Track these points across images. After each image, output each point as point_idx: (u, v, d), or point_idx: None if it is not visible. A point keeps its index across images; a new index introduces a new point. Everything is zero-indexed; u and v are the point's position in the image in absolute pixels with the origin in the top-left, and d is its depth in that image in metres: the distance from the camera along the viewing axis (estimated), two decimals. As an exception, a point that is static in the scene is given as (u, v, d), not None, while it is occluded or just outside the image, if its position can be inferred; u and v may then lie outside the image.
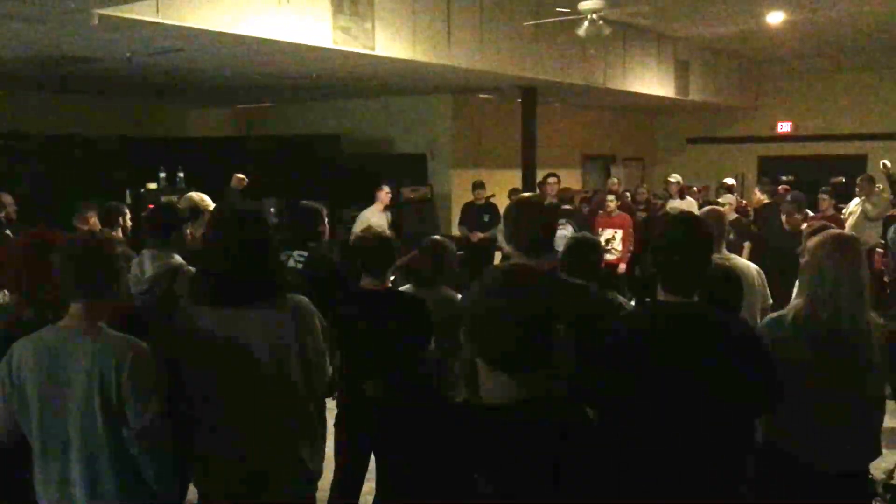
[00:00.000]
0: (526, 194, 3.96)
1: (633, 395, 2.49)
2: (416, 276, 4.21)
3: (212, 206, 5.03)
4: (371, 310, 3.66)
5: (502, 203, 10.25)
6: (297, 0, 6.90)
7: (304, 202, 4.84)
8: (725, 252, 4.27)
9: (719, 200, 9.20)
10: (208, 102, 13.40)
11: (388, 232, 3.87)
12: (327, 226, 4.75)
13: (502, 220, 3.08)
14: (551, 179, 9.98)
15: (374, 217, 8.91)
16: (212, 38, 6.79)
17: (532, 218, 2.90)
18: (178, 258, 4.06)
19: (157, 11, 6.00)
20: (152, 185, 8.15)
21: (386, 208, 9.26)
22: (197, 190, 6.99)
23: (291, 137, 12.24)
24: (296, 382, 2.70)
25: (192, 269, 3.97)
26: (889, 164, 9.00)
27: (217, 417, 2.69)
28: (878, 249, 8.40)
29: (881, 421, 2.99)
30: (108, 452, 2.39)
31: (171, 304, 3.50)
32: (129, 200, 7.81)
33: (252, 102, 13.36)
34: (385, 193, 9.18)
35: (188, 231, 4.42)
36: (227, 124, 14.24)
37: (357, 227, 8.77)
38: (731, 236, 8.67)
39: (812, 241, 2.94)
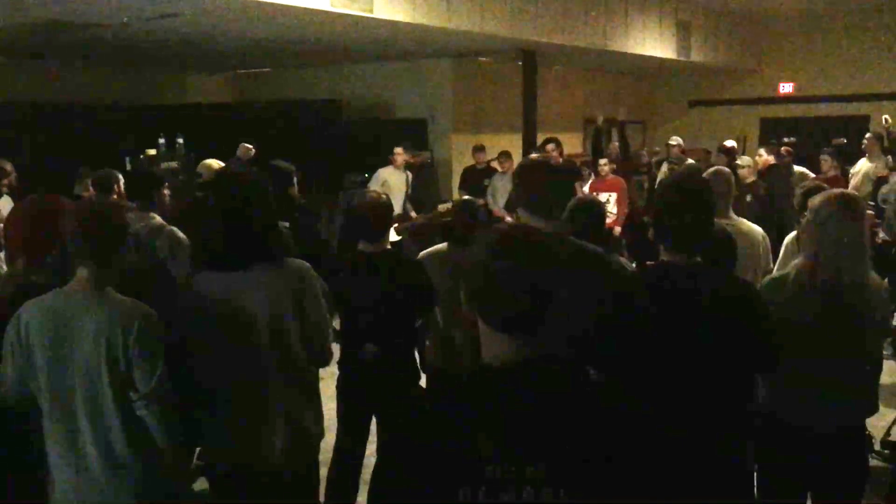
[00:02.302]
0: (533, 155, 3.92)
1: (638, 356, 2.51)
2: (451, 235, 4.27)
3: None
4: (368, 273, 3.67)
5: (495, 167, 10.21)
6: (294, -38, 6.82)
7: (274, 162, 4.85)
8: (733, 215, 4.23)
9: (738, 162, 9.11)
10: (206, 68, 13.30)
11: (384, 196, 3.84)
12: (296, 187, 4.75)
13: (513, 183, 3.05)
14: (549, 146, 9.90)
15: (392, 176, 9.06)
16: (208, 2, 6.73)
17: (541, 178, 2.83)
18: (158, 219, 4.13)
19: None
20: (151, 152, 8.13)
21: (406, 168, 9.35)
22: (197, 156, 7.01)
23: (290, 103, 12.17)
24: (294, 345, 2.71)
25: (173, 228, 4.03)
26: (890, 120, 8.95)
27: (216, 380, 2.71)
28: (868, 212, 8.26)
29: (878, 378, 3.02)
30: (116, 414, 2.42)
31: (156, 264, 3.56)
32: (128, 167, 7.79)
33: (251, 68, 13.25)
34: (399, 155, 9.20)
35: (166, 193, 4.48)
36: (225, 90, 14.14)
37: (373, 185, 8.96)
38: (749, 199, 8.65)
39: (815, 201, 2.93)
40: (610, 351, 2.54)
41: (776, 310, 2.77)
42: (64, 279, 2.50)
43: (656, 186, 7.02)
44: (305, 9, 7.08)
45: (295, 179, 4.74)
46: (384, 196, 3.83)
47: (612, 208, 9.02)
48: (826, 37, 13.56)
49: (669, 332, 2.49)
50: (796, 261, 2.95)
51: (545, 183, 2.81)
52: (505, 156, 9.92)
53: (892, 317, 3.11)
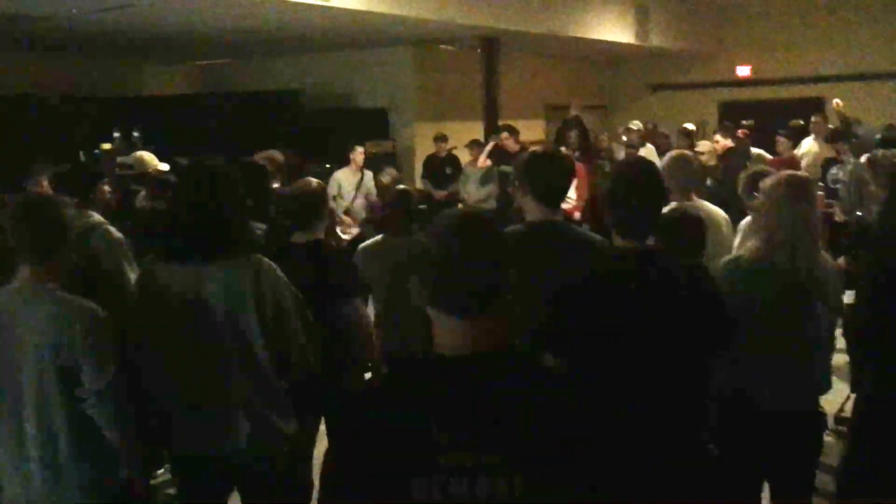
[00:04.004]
0: (539, 146, 4.00)
1: (592, 341, 2.52)
2: (390, 227, 4.33)
3: (159, 165, 4.99)
4: (290, 264, 3.60)
5: (463, 155, 10.22)
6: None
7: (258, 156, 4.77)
8: (696, 199, 4.22)
9: (697, 148, 9.19)
10: (164, 59, 13.08)
11: (315, 183, 3.78)
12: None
13: (516, 171, 3.10)
14: (503, 134, 9.88)
15: (346, 179, 8.76)
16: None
17: (557, 169, 2.94)
18: (96, 216, 4.04)
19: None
20: (107, 146, 7.98)
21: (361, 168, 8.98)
22: (155, 149, 6.89)
23: (250, 94, 12.03)
24: (255, 345, 2.67)
25: (110, 227, 3.94)
26: (842, 104, 9.10)
27: (174, 375, 2.69)
28: (819, 193, 8.33)
29: (831, 357, 3.08)
30: (62, 415, 2.38)
31: (91, 262, 3.49)
32: (83, 161, 7.64)
33: (209, 58, 13.07)
34: (359, 154, 8.88)
35: (106, 189, 4.38)
36: (184, 81, 13.93)
37: (330, 189, 8.65)
38: (709, 182, 8.74)
39: (766, 183, 2.97)
40: (568, 337, 2.56)
41: (732, 291, 2.82)
42: (8, 277, 2.45)
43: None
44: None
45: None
46: (315, 183, 3.76)
47: (571, 193, 9.05)
48: (782, 20, 13.72)
49: (623, 317, 2.50)
50: (750, 243, 2.98)
51: (552, 173, 2.92)
52: (475, 144, 9.91)
53: (844, 296, 3.16)
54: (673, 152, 4.61)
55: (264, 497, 2.79)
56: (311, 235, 3.64)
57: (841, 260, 4.61)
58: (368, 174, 9.01)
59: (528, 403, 1.52)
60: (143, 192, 5.04)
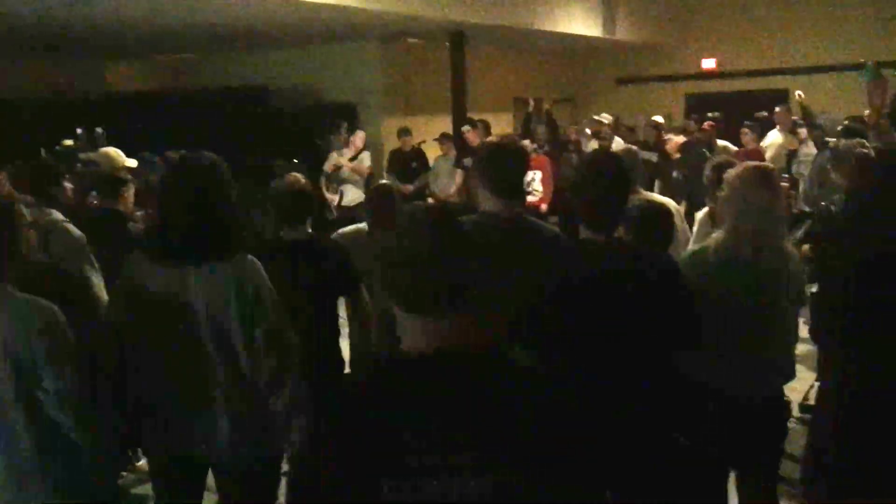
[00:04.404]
0: (495, 138, 3.96)
1: (562, 334, 2.53)
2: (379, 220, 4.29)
3: (126, 162, 4.91)
4: (286, 261, 3.59)
5: (432, 149, 10.20)
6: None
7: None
8: (642, 192, 4.30)
9: (666, 138, 9.28)
10: (127, 55, 12.90)
11: (303, 180, 3.76)
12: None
13: (477, 164, 3.07)
14: (464, 128, 9.90)
15: (343, 158, 9.21)
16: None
17: (510, 161, 2.88)
18: (56, 214, 3.97)
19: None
20: (68, 143, 7.86)
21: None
22: (120, 146, 6.79)
23: (215, 90, 11.90)
24: (235, 346, 2.63)
25: (70, 226, 3.88)
26: (803, 95, 9.22)
27: (155, 376, 2.67)
28: (783, 183, 8.43)
29: (795, 346, 3.12)
30: (22, 418, 2.34)
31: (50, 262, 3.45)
32: (43, 158, 7.51)
33: (173, 53, 12.90)
34: (359, 138, 9.38)
35: (68, 186, 4.30)
36: (146, 77, 13.75)
37: (327, 165, 9.21)
38: (675, 174, 8.82)
39: (732, 174, 3.00)
40: (538, 330, 2.56)
41: (698, 283, 2.85)
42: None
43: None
44: (225, -7, 6.94)
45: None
46: (303, 180, 3.75)
47: (537, 186, 9.08)
48: (746, 12, 13.86)
49: (593, 309, 2.52)
50: (715, 234, 3.01)
51: (506, 165, 2.86)
52: (445, 138, 9.90)
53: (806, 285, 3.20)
54: (619, 147, 4.66)
55: (243, 498, 2.77)
56: (299, 233, 3.61)
57: (805, 248, 4.68)
58: (366, 155, 9.40)
59: (498, 402, 1.51)
60: (94, 192, 4.97)
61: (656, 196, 4.25)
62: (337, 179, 9.33)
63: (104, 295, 3.63)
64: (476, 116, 11.17)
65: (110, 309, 2.89)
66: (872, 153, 4.66)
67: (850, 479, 2.74)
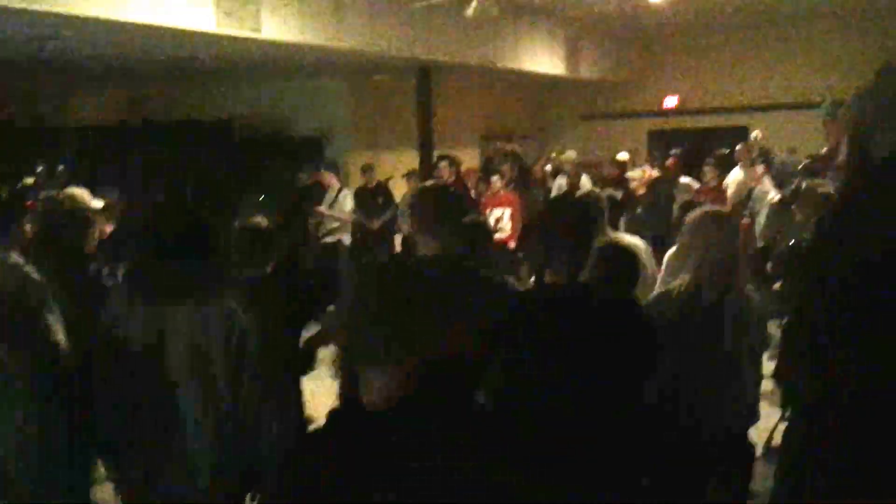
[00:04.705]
0: (430, 182, 3.93)
1: (525, 378, 2.52)
2: None
3: (91, 202, 4.81)
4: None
5: (399, 186, 10.22)
6: (177, -18, 6.66)
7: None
8: (609, 232, 4.30)
9: (627, 176, 9.38)
10: (91, 88, 12.79)
11: (263, 222, 3.73)
12: None
13: (409, 209, 3.05)
14: (442, 163, 9.94)
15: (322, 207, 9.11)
16: (90, 24, 6.47)
17: (434, 204, 2.88)
18: (13, 256, 3.88)
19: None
20: (30, 181, 7.75)
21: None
22: (83, 182, 6.71)
23: (181, 122, 11.85)
24: (219, 387, 2.58)
25: (28, 268, 3.79)
26: (761, 135, 9.44)
27: (133, 417, 2.62)
28: (744, 220, 8.39)
29: (759, 387, 3.14)
30: None
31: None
32: (3, 197, 7.40)
33: (137, 87, 12.83)
34: (329, 178, 9.25)
35: (27, 227, 4.22)
36: (112, 110, 13.63)
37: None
38: (639, 211, 8.91)
39: (691, 219, 3.04)
40: (498, 374, 2.55)
41: (662, 324, 2.87)
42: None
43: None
44: (190, 31, 6.91)
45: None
46: (263, 223, 3.72)
47: (506, 223, 9.12)
48: (706, 52, 14.16)
49: (553, 353, 2.52)
50: (678, 279, 3.04)
51: (438, 208, 2.85)
52: (412, 175, 9.91)
53: (768, 326, 3.23)
54: (583, 191, 4.68)
55: None
56: (257, 272, 3.57)
57: (777, 286, 4.76)
58: (345, 195, 9.28)
59: (463, 449, 1.50)
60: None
61: (624, 236, 4.26)
62: (325, 231, 9.24)
63: (62, 339, 3.55)
64: (443, 152, 11.25)
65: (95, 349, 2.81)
66: (833, 192, 4.76)
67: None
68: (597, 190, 4.73)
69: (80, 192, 5.11)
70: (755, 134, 9.60)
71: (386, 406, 1.56)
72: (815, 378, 2.74)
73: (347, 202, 9.35)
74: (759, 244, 8.11)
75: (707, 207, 3.09)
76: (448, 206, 2.91)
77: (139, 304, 2.61)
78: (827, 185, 4.99)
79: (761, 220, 8.22)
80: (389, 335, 1.56)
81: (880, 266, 2.48)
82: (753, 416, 3.09)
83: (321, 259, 9.02)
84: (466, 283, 2.81)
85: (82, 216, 4.48)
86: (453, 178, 9.54)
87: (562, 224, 2.65)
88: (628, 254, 3.51)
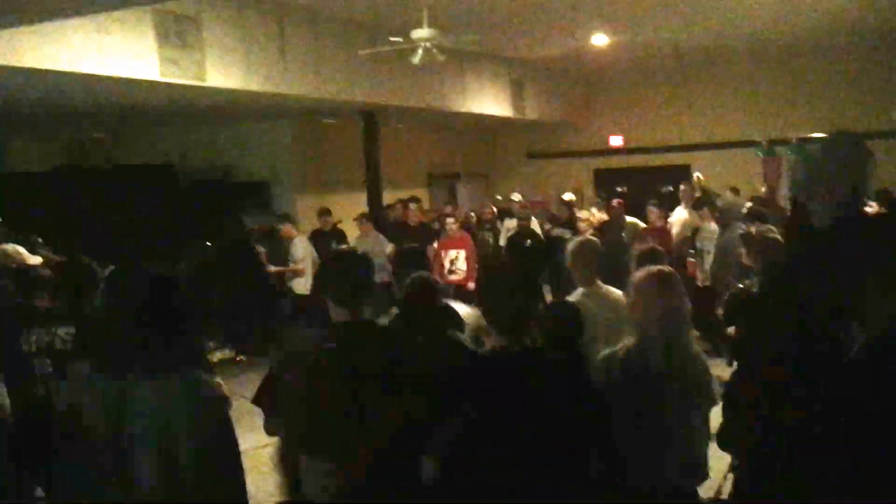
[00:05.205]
0: (343, 247, 3.85)
1: (468, 445, 2.51)
2: None
3: (29, 259, 4.69)
4: None
5: (349, 228, 10.18)
6: (119, 31, 6.58)
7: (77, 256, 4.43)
8: (599, 284, 4.19)
9: (578, 215, 9.47)
10: (31, 135, 12.51)
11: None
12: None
13: (321, 275, 3.02)
14: (412, 204, 10.01)
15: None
16: (31, 75, 6.36)
17: (343, 270, 2.82)
18: None
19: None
20: (-33, 231, 7.50)
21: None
22: (21, 229, 6.51)
23: (123, 168, 11.65)
24: (186, 475, 2.43)
25: None
26: (702, 177, 9.69)
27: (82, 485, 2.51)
28: (689, 259, 8.55)
29: (707, 444, 3.16)
30: None
31: None
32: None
33: (80, 133, 12.59)
34: (287, 230, 9.38)
35: None
36: (53, 156, 13.32)
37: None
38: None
39: (636, 280, 3.07)
40: (446, 440, 2.53)
41: (609, 383, 2.89)
42: None
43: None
44: (132, 79, 6.83)
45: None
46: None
47: (461, 265, 9.12)
48: (648, 93, 14.50)
49: (496, 421, 2.51)
50: (627, 339, 3.06)
51: (347, 275, 2.80)
52: (363, 218, 9.88)
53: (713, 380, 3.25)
54: (579, 238, 4.59)
55: None
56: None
57: (731, 329, 4.83)
58: (297, 243, 9.32)
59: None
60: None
61: (610, 289, 4.12)
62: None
63: (6, 402, 3.44)
64: (391, 193, 11.26)
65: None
66: (779, 237, 4.88)
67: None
68: (593, 240, 4.62)
69: (13, 249, 4.98)
70: (696, 175, 9.84)
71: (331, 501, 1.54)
72: (760, 431, 2.79)
73: (298, 249, 9.26)
74: (707, 283, 8.29)
75: (652, 268, 3.11)
76: (355, 271, 2.83)
77: (97, 374, 2.53)
78: (773, 232, 5.10)
79: (709, 259, 8.39)
80: (331, 423, 1.54)
81: (817, 324, 2.56)
82: (702, 474, 3.11)
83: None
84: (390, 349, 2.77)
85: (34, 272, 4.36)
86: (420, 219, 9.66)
87: (501, 286, 2.65)
88: (572, 315, 3.54)
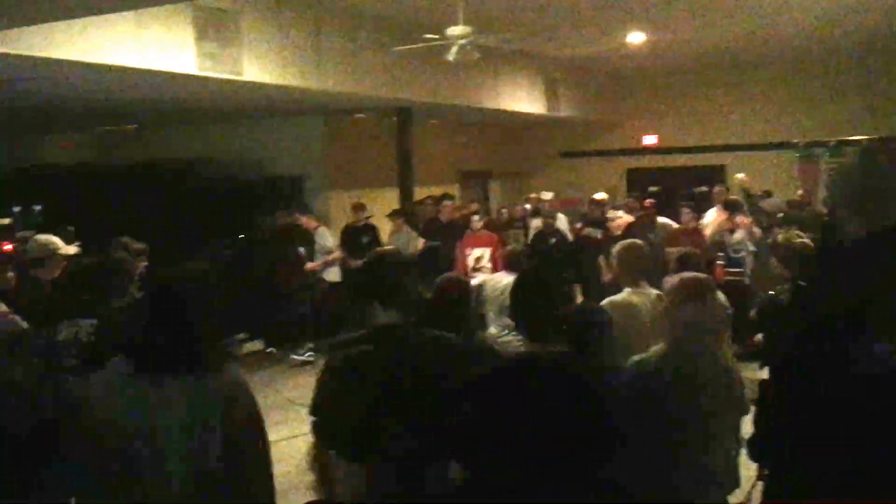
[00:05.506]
0: (386, 248, 3.82)
1: (491, 451, 2.50)
2: None
3: (62, 247, 4.75)
4: None
5: (381, 223, 10.20)
6: (157, 25, 6.66)
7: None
8: (646, 286, 4.11)
9: (608, 216, 9.39)
10: (65, 127, 12.71)
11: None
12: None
13: (364, 275, 2.98)
14: (447, 202, 10.04)
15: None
16: (65, 66, 6.45)
17: (392, 272, 2.76)
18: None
19: (2, 42, 5.65)
20: (5, 221, 7.65)
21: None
22: (58, 223, 6.63)
23: (155, 163, 11.77)
24: (216, 474, 2.40)
25: (16, 317, 3.72)
26: (744, 177, 9.49)
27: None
28: (718, 262, 8.42)
29: (739, 454, 3.13)
30: None
31: None
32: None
33: (114, 126, 12.76)
34: (306, 220, 9.53)
35: (10, 276, 4.14)
36: (86, 150, 13.53)
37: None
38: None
39: (668, 285, 3.04)
40: (470, 444, 2.52)
41: (641, 391, 2.87)
42: None
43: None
44: (170, 73, 6.91)
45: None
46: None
47: (486, 263, 9.10)
48: (683, 92, 14.35)
49: (524, 425, 2.49)
50: (659, 346, 3.03)
51: (397, 277, 2.76)
52: (397, 214, 9.92)
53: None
54: (625, 241, 4.50)
55: None
56: None
57: (758, 337, 4.77)
58: (320, 233, 9.60)
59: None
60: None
61: (654, 291, 4.07)
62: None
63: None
64: (422, 190, 11.28)
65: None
66: (810, 243, 4.80)
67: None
68: (638, 242, 4.52)
69: (45, 238, 5.04)
70: (739, 176, 9.63)
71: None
72: (791, 445, 2.75)
73: (327, 238, 9.39)
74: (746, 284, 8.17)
75: (686, 275, 3.08)
76: (404, 274, 2.77)
77: (128, 376, 2.48)
78: (801, 237, 5.01)
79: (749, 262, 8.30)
80: (364, 426, 1.54)
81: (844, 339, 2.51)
82: (733, 483, 3.08)
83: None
84: (433, 352, 2.74)
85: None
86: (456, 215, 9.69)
87: (524, 293, 2.64)
88: (595, 321, 3.49)
